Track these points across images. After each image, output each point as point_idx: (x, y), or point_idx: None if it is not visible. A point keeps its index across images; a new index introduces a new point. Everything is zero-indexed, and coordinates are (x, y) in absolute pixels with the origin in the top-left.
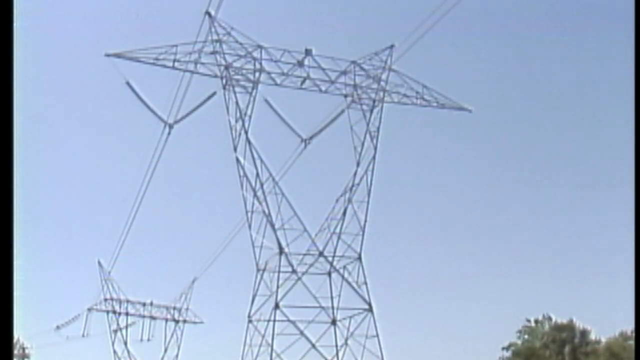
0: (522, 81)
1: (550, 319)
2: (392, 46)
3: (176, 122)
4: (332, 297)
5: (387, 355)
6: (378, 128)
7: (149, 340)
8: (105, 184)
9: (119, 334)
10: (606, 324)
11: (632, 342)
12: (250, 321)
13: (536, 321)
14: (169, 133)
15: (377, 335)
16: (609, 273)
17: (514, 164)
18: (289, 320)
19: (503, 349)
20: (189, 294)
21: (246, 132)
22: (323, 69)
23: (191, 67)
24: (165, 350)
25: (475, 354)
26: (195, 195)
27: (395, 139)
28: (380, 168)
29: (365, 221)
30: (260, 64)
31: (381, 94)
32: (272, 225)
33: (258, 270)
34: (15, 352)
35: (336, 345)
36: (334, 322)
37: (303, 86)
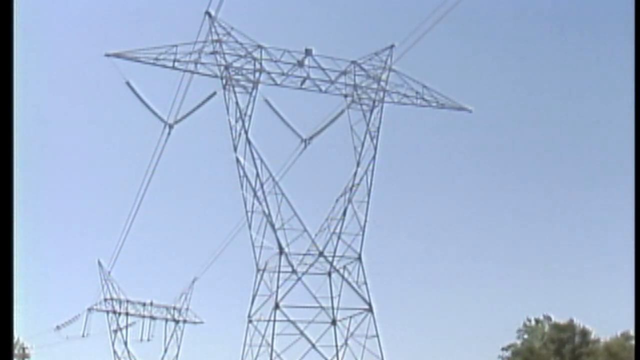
0: (522, 81)
1: (549, 318)
2: (392, 46)
3: (176, 122)
4: (332, 297)
5: (387, 355)
6: (378, 128)
7: (149, 340)
8: (105, 184)
9: (119, 334)
10: (606, 324)
11: (632, 342)
12: (250, 321)
13: (537, 321)
14: (169, 133)
15: (377, 335)
16: (609, 273)
17: (514, 164)
18: (289, 320)
19: (503, 349)
20: (189, 294)
21: (246, 132)
22: (323, 69)
23: (191, 67)
24: (165, 350)
25: (476, 354)
26: (195, 195)
27: (395, 139)
28: (380, 168)
29: (365, 221)
30: (260, 64)
31: (381, 94)
32: (272, 225)
33: (258, 270)
34: (15, 352)
35: (336, 346)
36: (334, 322)
37: (303, 86)
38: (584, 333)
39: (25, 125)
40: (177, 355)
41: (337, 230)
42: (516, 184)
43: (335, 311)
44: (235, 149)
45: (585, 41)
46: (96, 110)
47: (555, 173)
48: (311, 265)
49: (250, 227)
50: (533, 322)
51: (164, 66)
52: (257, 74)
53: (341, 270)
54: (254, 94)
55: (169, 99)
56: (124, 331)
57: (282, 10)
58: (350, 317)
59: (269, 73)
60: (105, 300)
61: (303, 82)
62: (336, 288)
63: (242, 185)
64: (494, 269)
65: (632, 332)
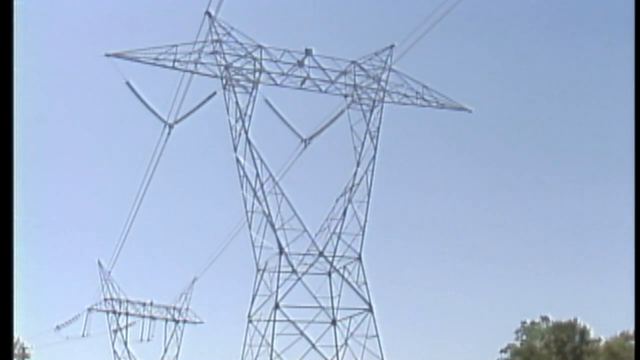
0: (522, 81)
1: (547, 319)
2: (392, 46)
3: (176, 122)
4: (332, 297)
5: (387, 355)
6: (378, 128)
7: (149, 340)
8: (106, 184)
9: (119, 334)
10: (606, 324)
11: (632, 342)
12: (250, 321)
13: (532, 322)
14: (169, 133)
15: (377, 335)
16: (609, 273)
17: (514, 164)
18: (289, 320)
19: (501, 351)
20: (189, 294)
21: (246, 132)
22: (323, 69)
23: (191, 67)
24: (165, 350)
25: (476, 354)
26: (195, 195)
27: (395, 139)
28: (380, 168)
29: (365, 221)
30: (260, 64)
31: (381, 94)
32: (272, 225)
33: (258, 270)
34: (15, 352)
35: (336, 345)
36: (334, 322)
37: (303, 86)
38: (584, 332)
39: (25, 125)
40: (177, 355)
41: (337, 230)
42: (516, 184)
43: (335, 311)
44: (235, 149)
45: (585, 41)
46: (96, 110)
47: (555, 173)
48: (311, 265)
49: (250, 227)
50: (529, 324)
51: (164, 66)
52: (257, 74)
53: (341, 270)
54: (254, 94)
55: (169, 99)
56: (124, 331)
57: (282, 10)
58: (350, 317)
59: (269, 73)
60: (105, 300)
61: (303, 82)
62: (336, 288)
63: (242, 185)
64: (494, 269)
65: (631, 332)
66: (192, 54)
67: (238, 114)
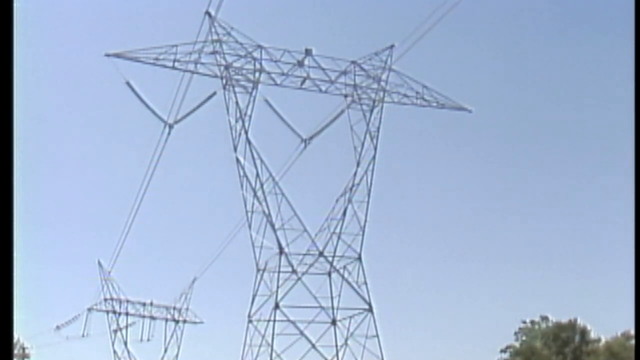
0: (522, 81)
1: (547, 319)
2: (392, 46)
3: (176, 122)
4: (332, 297)
5: (387, 355)
6: (378, 128)
7: (149, 340)
8: (106, 184)
9: (119, 334)
10: (606, 324)
11: (632, 342)
12: (250, 321)
13: (532, 322)
14: (169, 133)
15: (377, 335)
16: (609, 273)
17: (514, 164)
18: (289, 320)
19: (501, 351)
20: (189, 294)
21: (246, 132)
22: (323, 69)
23: (191, 67)
24: (165, 350)
25: (476, 354)
26: (195, 195)
27: (395, 139)
28: (380, 168)
29: (365, 221)
30: (260, 64)
31: (381, 94)
32: (272, 225)
33: (258, 270)
34: (15, 352)
35: (336, 345)
36: (334, 322)
37: (303, 86)
38: (584, 332)
39: (25, 125)
40: (177, 355)
41: (337, 230)
42: (516, 184)
43: (335, 311)
44: (235, 149)
45: (586, 41)
46: (96, 110)
47: (555, 173)
48: (311, 265)
49: (250, 227)
50: (529, 324)
51: (164, 66)
52: (257, 74)
53: (341, 270)
54: (254, 94)
55: (169, 99)
56: (124, 331)
57: (282, 10)
58: (350, 317)
59: (269, 73)
60: (105, 300)
61: (303, 82)
62: (336, 288)
63: (242, 185)
64: (494, 269)
65: (632, 332)
66: (192, 54)
67: (238, 114)
